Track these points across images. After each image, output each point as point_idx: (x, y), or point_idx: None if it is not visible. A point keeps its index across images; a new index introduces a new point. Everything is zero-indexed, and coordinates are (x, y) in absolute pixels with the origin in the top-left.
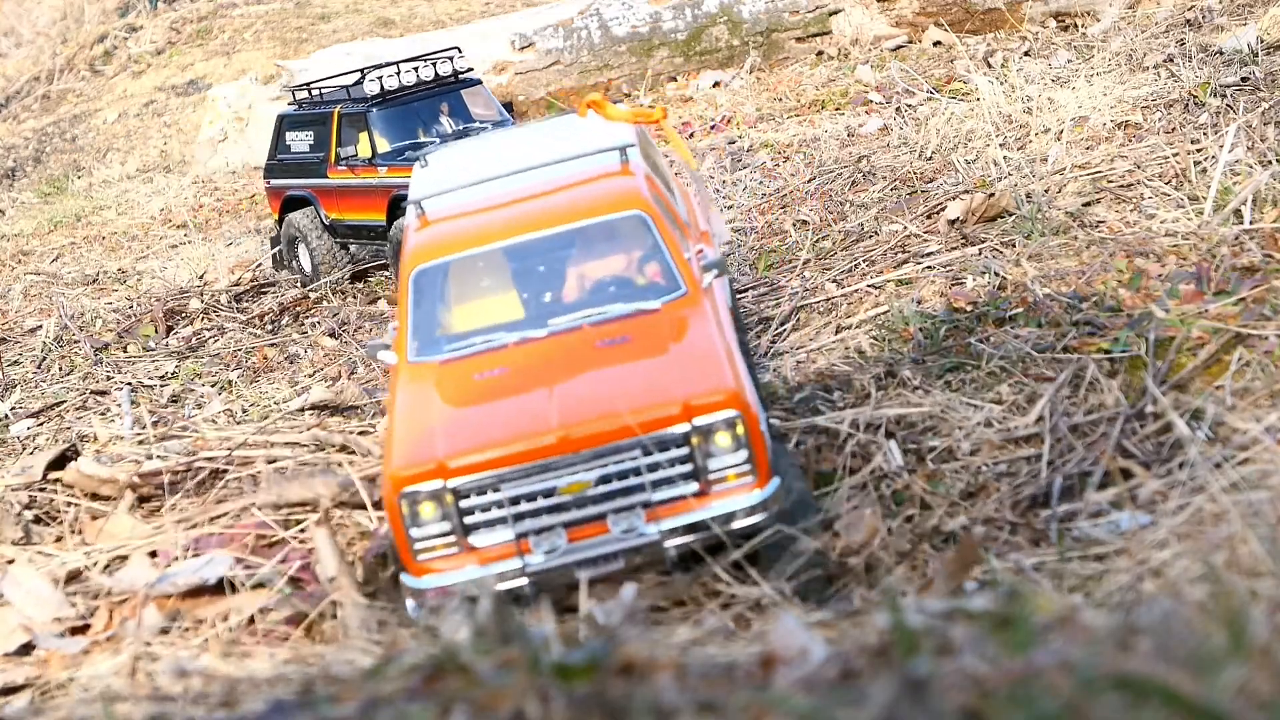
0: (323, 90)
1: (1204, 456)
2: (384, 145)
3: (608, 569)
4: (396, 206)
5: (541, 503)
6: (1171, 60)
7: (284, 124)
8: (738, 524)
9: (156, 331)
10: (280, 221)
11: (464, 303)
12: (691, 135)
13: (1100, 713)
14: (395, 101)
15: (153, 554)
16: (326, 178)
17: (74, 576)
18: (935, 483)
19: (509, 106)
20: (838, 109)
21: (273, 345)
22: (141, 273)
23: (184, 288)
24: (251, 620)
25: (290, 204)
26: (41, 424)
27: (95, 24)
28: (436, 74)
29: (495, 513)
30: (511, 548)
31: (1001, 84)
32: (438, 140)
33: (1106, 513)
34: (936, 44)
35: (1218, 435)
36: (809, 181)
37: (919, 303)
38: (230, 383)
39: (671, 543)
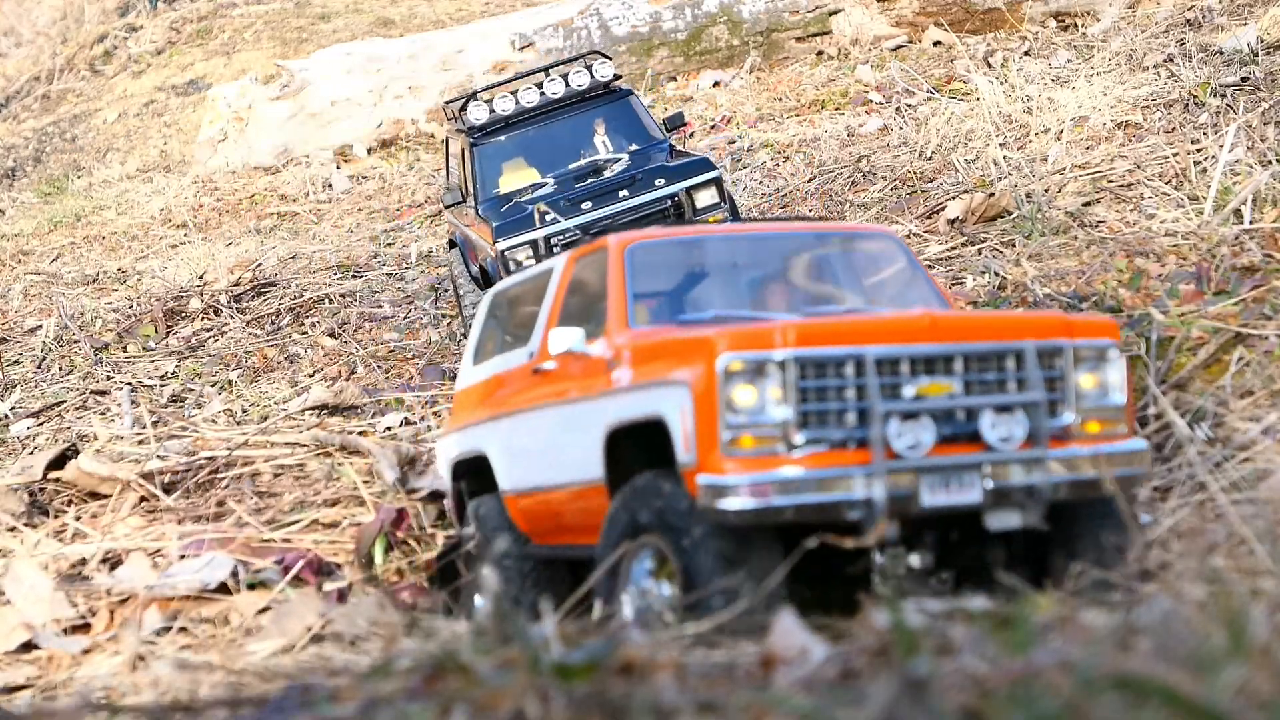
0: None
1: (1204, 456)
2: (490, 190)
3: (964, 498)
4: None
5: (898, 400)
6: (1171, 60)
7: (449, 143)
8: (1117, 471)
9: (156, 331)
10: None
11: (690, 287)
12: (692, 135)
13: (1100, 713)
14: (503, 131)
15: (155, 555)
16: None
17: (76, 569)
18: None
19: None
20: (838, 109)
21: (273, 345)
22: (141, 273)
23: (184, 288)
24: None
25: (452, 244)
26: (41, 424)
27: (95, 24)
28: (568, 88)
29: (836, 403)
30: (850, 453)
31: (1001, 84)
32: (559, 184)
33: None
34: (936, 44)
35: (1218, 435)
36: (809, 181)
37: None
38: (230, 383)
39: (1053, 479)
